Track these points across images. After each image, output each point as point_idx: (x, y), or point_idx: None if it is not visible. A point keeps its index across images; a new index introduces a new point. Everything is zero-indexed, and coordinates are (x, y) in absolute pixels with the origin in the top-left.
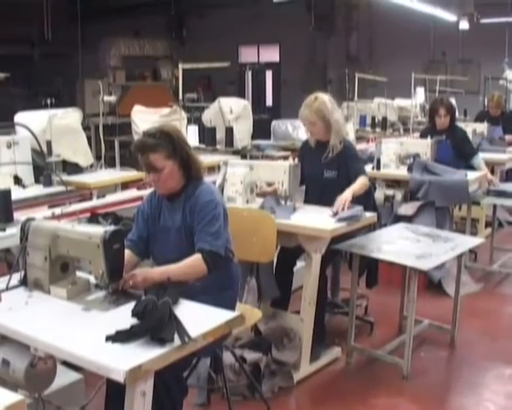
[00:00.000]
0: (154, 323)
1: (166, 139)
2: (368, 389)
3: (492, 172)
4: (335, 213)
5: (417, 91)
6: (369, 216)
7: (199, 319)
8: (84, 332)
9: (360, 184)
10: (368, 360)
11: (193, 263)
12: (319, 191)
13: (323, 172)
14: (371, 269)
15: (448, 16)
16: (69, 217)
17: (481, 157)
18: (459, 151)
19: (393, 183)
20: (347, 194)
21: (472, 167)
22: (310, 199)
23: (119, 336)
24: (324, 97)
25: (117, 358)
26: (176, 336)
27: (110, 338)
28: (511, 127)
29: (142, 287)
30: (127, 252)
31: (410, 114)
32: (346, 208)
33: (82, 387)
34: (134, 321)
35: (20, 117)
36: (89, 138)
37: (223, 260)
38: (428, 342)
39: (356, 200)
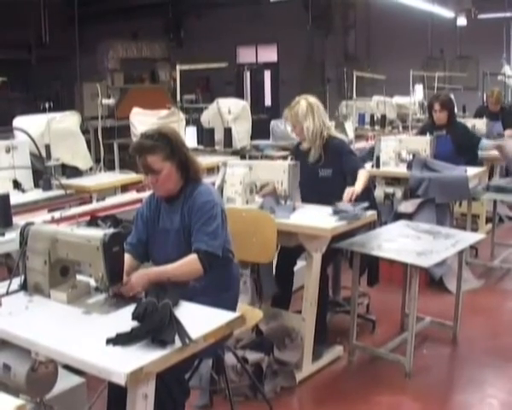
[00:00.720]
0: (155, 325)
1: (164, 141)
2: (370, 388)
3: (492, 168)
4: (336, 211)
5: (416, 89)
6: (370, 214)
7: (199, 320)
8: (84, 336)
9: (364, 177)
10: (370, 359)
11: (189, 263)
12: (315, 191)
13: (318, 171)
14: (372, 267)
15: (445, 13)
16: (69, 220)
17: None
18: (462, 146)
19: (393, 180)
20: (357, 187)
21: (474, 162)
22: (306, 199)
23: (120, 339)
24: (305, 102)
25: (118, 361)
26: (176, 338)
27: (111, 341)
28: (510, 122)
29: (142, 290)
30: (127, 256)
31: (409, 112)
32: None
33: (84, 391)
34: (134, 324)
35: (19, 121)
36: (88, 141)
37: (220, 261)
38: (430, 340)
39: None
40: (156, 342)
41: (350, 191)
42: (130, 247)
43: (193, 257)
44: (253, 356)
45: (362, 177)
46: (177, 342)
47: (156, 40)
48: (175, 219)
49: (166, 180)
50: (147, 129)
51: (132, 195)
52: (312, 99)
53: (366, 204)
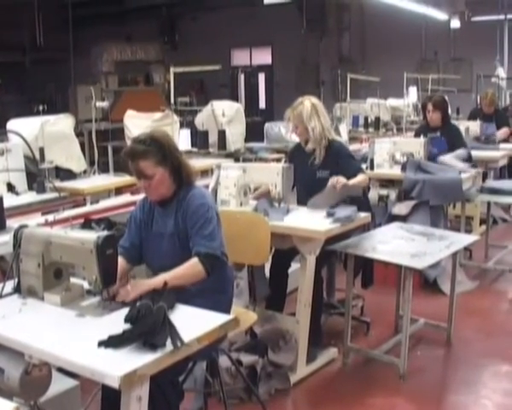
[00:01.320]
0: (147, 328)
1: (156, 145)
2: (365, 390)
3: (486, 170)
4: (329, 213)
5: (410, 91)
6: (364, 216)
7: (193, 322)
8: (78, 338)
9: (359, 179)
10: (364, 361)
11: (191, 267)
12: (313, 192)
13: (316, 172)
14: (366, 269)
15: (439, 15)
16: (62, 223)
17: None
18: (454, 148)
19: (387, 182)
20: (348, 180)
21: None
22: (303, 201)
23: (112, 342)
24: (309, 102)
25: (111, 363)
26: (168, 341)
27: (102, 343)
28: (504, 124)
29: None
30: (120, 259)
31: (403, 114)
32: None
33: (78, 393)
34: (127, 326)
35: (13, 124)
36: (82, 144)
37: (220, 262)
38: (425, 341)
39: (350, 200)
40: (148, 345)
41: (337, 178)
42: (123, 250)
43: (194, 261)
44: (247, 358)
45: (358, 177)
46: (169, 345)
47: (150, 43)
48: (169, 223)
49: (159, 185)
50: (139, 133)
51: (126, 197)
52: (315, 100)
53: (354, 208)
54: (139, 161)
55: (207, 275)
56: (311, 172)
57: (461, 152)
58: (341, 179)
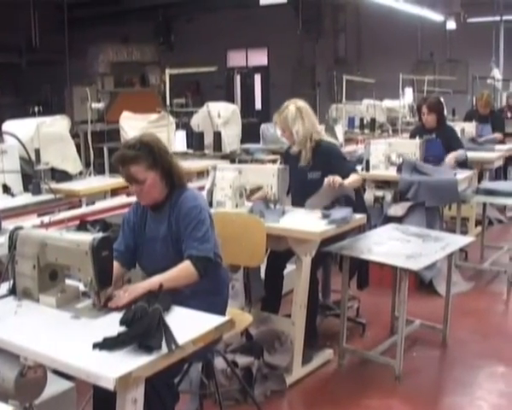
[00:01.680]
0: (142, 330)
1: (146, 150)
2: (360, 391)
3: (481, 171)
4: (325, 215)
5: (405, 92)
6: (359, 217)
7: (189, 324)
8: (73, 340)
9: (353, 179)
10: (360, 362)
11: (183, 269)
12: (305, 194)
13: (307, 174)
14: (362, 270)
15: (435, 16)
16: (58, 225)
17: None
18: (449, 149)
19: (383, 184)
20: (343, 180)
21: (464, 164)
22: (297, 202)
23: (107, 344)
24: (294, 106)
25: (107, 365)
26: (163, 344)
27: (97, 345)
28: (500, 126)
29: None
30: (114, 263)
31: (399, 115)
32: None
33: (73, 395)
34: (123, 328)
35: (8, 125)
36: (77, 145)
37: (213, 263)
38: (420, 342)
39: (345, 201)
40: (142, 347)
41: (333, 177)
42: (117, 254)
43: (186, 263)
44: (242, 360)
45: (351, 177)
46: (164, 348)
47: (146, 44)
48: (162, 227)
49: (151, 189)
50: (136, 134)
51: (122, 199)
52: (301, 103)
53: (350, 209)
54: (130, 166)
55: (200, 277)
56: (302, 174)
57: (461, 152)
58: (337, 179)
